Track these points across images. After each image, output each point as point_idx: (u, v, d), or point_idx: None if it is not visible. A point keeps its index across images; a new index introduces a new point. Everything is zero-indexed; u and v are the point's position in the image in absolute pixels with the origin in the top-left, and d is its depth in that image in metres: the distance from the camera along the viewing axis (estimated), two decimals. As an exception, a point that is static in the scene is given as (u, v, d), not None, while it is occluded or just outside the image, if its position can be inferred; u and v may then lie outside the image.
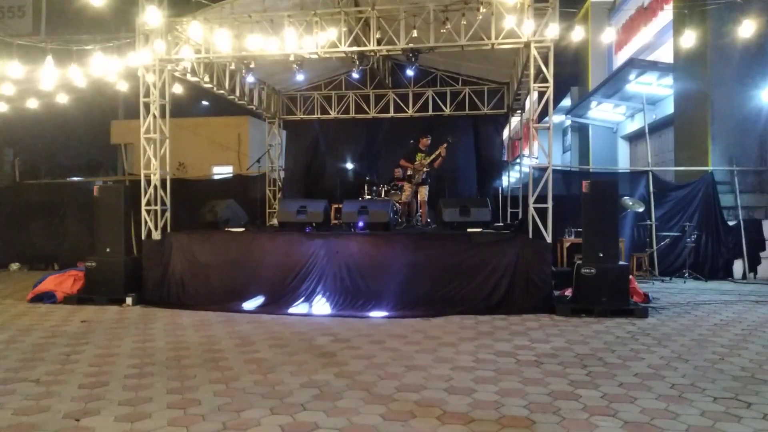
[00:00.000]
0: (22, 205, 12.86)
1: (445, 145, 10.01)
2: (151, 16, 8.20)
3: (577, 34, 9.25)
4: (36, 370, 4.86)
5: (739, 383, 4.41)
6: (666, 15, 13.33)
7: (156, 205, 8.51)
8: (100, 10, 9.40)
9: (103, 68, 10.05)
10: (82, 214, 11.90)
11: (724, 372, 4.71)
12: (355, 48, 8.20)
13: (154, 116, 8.53)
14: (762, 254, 10.50)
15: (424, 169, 10.16)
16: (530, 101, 9.49)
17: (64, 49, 10.60)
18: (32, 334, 6.26)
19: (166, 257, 8.20)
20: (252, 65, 8.84)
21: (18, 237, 12.53)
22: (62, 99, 11.92)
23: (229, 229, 8.89)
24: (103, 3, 8.88)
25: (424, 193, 10.29)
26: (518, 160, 13.84)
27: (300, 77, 9.80)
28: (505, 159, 13.02)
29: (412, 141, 10.42)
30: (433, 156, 10.09)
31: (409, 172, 10.29)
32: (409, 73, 10.46)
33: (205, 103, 22.78)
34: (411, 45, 7.98)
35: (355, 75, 10.39)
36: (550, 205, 7.56)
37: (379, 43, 8.12)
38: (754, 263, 10.51)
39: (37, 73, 10.31)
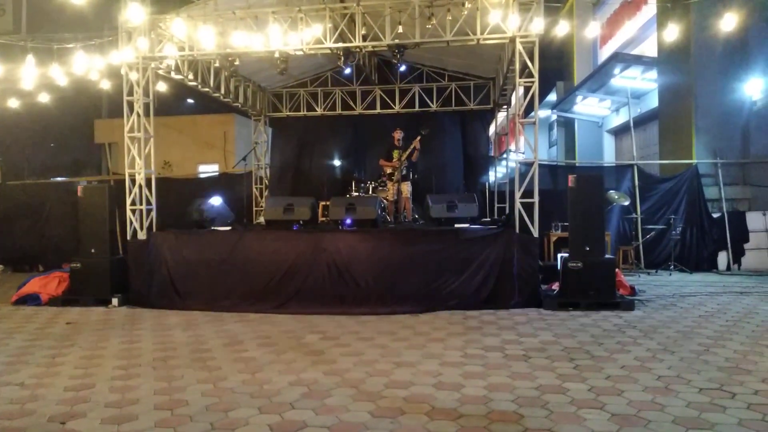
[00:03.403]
0: (5, 207, 12.69)
1: (418, 138, 10.02)
2: (134, 14, 8.11)
3: (562, 28, 9.27)
4: (20, 373, 4.80)
5: (724, 374, 4.46)
6: (650, 9, 13.43)
7: (141, 204, 8.43)
8: (82, 7, 9.29)
9: (86, 67, 9.94)
10: (66, 215, 11.77)
11: (710, 363, 4.76)
12: (340, 44, 8.17)
13: (138, 115, 8.45)
14: (746, 246, 10.63)
15: (403, 165, 10.16)
16: (516, 96, 9.52)
17: (45, 47, 10.47)
18: (16, 336, 6.18)
19: (152, 257, 8.13)
20: (237, 62, 8.77)
21: (1, 239, 12.36)
22: (44, 98, 11.78)
23: (216, 228, 8.84)
24: (85, 1, 8.78)
25: (406, 189, 10.29)
26: (505, 156, 13.87)
27: (282, 75, 9.72)
28: (492, 154, 13.06)
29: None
30: (409, 150, 10.09)
31: (389, 171, 10.29)
32: (401, 69, 10.41)
33: (190, 101, 22.61)
34: (396, 41, 7.97)
35: (347, 71, 10.25)
36: (536, 199, 7.59)
37: (364, 39, 8.10)
38: (738, 255, 10.64)
39: (17, 72, 10.17)
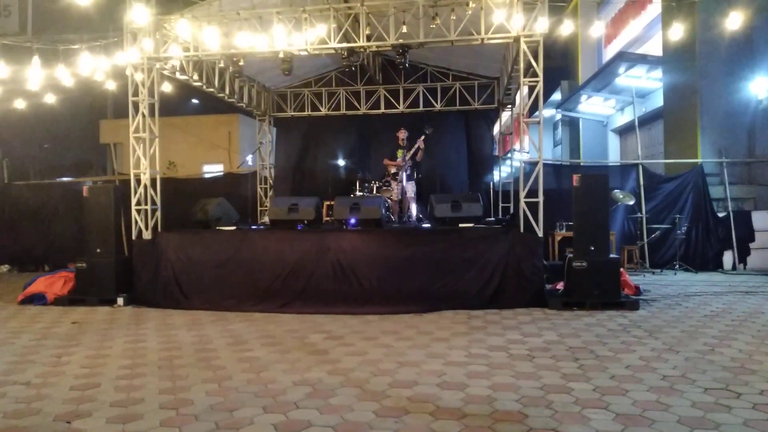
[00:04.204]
0: (11, 207, 12.76)
1: (422, 137, 10.02)
2: (139, 15, 8.14)
3: (567, 28, 9.26)
4: (26, 373, 4.82)
5: (730, 374, 4.45)
6: (654, 8, 13.38)
7: (146, 204, 8.46)
8: (87, 9, 9.33)
9: (91, 67, 9.97)
10: (72, 215, 11.83)
11: (715, 363, 4.75)
12: (344, 44, 8.17)
13: (144, 115, 8.48)
14: (751, 245, 10.59)
15: (408, 165, 10.16)
16: (520, 96, 9.50)
17: (51, 48, 10.51)
18: (22, 336, 6.21)
19: (157, 257, 8.16)
20: (241, 63, 8.79)
21: (7, 239, 12.44)
22: (50, 99, 11.85)
23: (221, 228, 8.86)
24: (90, 2, 8.81)
25: (410, 189, 10.29)
26: (509, 155, 13.86)
27: (288, 75, 9.71)
28: (496, 154, 13.04)
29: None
30: (413, 150, 10.09)
31: (393, 170, 10.30)
32: (407, 65, 10.36)
33: (195, 101, 22.69)
34: (401, 40, 7.97)
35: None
36: (541, 199, 7.58)
37: (368, 39, 8.09)
38: (743, 254, 10.60)
39: (23, 73, 10.22)
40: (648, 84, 13.79)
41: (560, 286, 7.66)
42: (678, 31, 9.38)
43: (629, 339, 5.61)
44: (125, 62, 8.65)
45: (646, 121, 14.28)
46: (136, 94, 8.53)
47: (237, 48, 8.26)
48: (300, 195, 10.90)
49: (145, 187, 8.47)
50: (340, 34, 8.10)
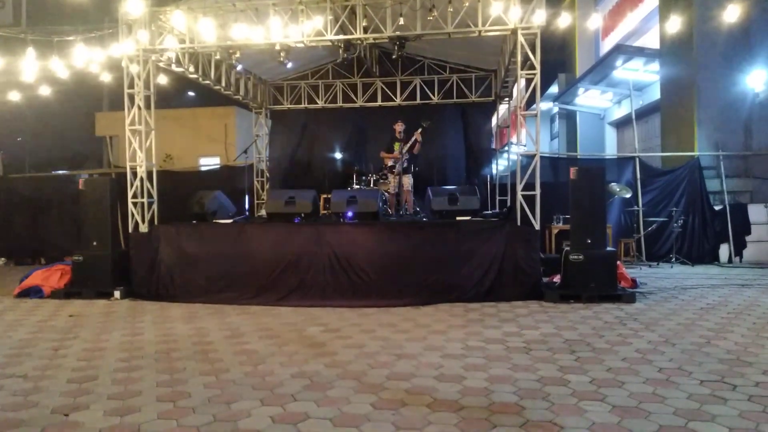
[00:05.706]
0: (6, 200, 12.71)
1: (419, 130, 10.01)
2: (134, 6, 8.08)
3: (564, 20, 9.22)
4: (23, 366, 4.81)
5: (725, 366, 4.47)
6: (652, 0, 13.36)
7: (143, 197, 8.44)
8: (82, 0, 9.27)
9: (86, 59, 9.92)
10: (68, 208, 11.79)
11: (711, 355, 4.77)
12: (341, 36, 8.13)
13: (139, 107, 8.43)
14: (747, 238, 10.62)
15: (404, 158, 10.15)
16: (518, 88, 9.49)
17: (46, 40, 10.45)
18: (19, 329, 6.20)
19: (154, 250, 8.13)
20: (237, 55, 8.74)
21: (3, 232, 12.40)
22: (45, 91, 11.78)
23: (217, 221, 8.84)
24: (85, -7, 8.77)
25: (407, 182, 10.28)
26: (506, 148, 13.85)
27: (287, 66, 9.69)
28: (494, 147, 13.03)
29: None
30: (410, 143, 10.08)
31: (390, 163, 10.29)
32: (398, 60, 10.36)
33: (191, 93, 22.60)
34: (398, 33, 7.94)
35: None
36: (538, 192, 7.58)
37: (365, 31, 8.05)
38: (739, 247, 10.63)
39: (18, 65, 10.16)
40: (645, 77, 13.78)
41: (557, 278, 7.69)
42: (675, 24, 9.37)
43: (626, 331, 5.63)
44: (121, 54, 8.61)
45: (643, 114, 14.28)
46: (131, 86, 8.48)
47: (233, 40, 8.22)
48: (297, 188, 10.88)
49: (142, 179, 8.44)
50: (337, 26, 8.06)
